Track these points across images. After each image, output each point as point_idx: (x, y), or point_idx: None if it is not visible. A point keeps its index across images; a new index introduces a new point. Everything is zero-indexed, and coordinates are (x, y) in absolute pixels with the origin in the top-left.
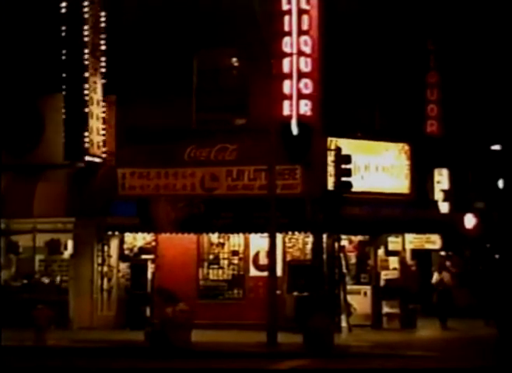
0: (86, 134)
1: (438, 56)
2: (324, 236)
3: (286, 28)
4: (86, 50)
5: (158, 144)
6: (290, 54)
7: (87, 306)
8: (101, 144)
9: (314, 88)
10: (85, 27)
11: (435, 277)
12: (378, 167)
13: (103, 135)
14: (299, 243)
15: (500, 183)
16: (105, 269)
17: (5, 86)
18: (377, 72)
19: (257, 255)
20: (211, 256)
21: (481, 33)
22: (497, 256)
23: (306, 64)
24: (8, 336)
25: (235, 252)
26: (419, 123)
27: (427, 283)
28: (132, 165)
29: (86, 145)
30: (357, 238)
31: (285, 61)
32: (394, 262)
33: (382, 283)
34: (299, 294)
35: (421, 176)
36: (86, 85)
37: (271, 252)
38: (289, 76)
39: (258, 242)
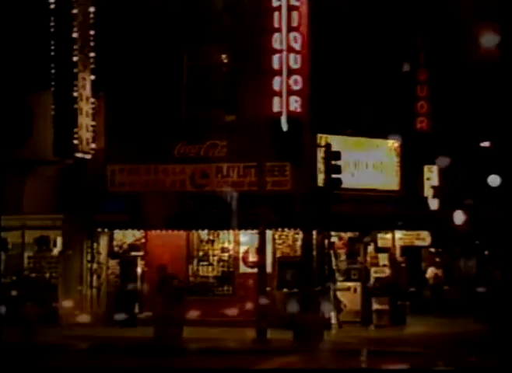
0: (75, 130)
1: (428, 53)
2: (314, 233)
3: (276, 24)
4: (75, 47)
5: (147, 140)
6: (280, 51)
7: (76, 303)
8: (90, 140)
9: (304, 85)
10: (74, 23)
11: (429, 272)
12: (368, 164)
13: (93, 132)
14: (289, 240)
15: (490, 180)
16: (94, 266)
17: None
18: (367, 69)
19: (246, 251)
20: (200, 253)
21: (471, 30)
22: (486, 253)
23: (295, 61)
24: None
25: (225, 249)
26: (408, 120)
27: (417, 279)
28: (121, 162)
29: (75, 142)
30: (347, 235)
31: (275, 58)
32: (383, 259)
33: (372, 280)
34: (289, 290)
35: (411, 173)
36: (75, 82)
37: (261, 249)
38: (279, 73)
39: (248, 239)
